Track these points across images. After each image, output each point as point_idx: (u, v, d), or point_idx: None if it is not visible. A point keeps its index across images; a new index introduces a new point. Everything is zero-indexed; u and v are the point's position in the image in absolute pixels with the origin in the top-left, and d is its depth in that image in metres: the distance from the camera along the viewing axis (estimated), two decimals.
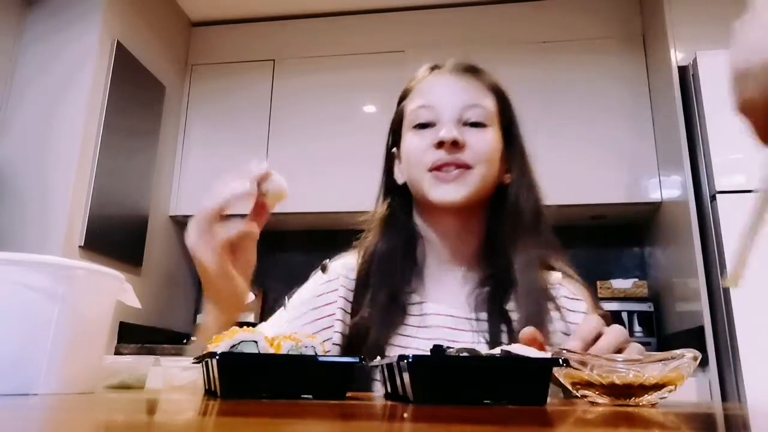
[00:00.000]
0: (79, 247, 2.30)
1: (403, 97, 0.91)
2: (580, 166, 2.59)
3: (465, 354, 0.44)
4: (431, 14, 2.98)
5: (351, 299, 0.85)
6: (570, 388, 0.50)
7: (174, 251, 2.90)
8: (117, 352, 2.34)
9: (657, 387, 0.48)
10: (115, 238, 2.49)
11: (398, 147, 0.90)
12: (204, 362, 0.51)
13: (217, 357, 0.45)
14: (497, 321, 0.80)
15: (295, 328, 0.82)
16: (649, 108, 2.63)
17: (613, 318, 0.79)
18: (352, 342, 0.81)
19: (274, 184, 0.69)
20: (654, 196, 2.54)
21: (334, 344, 0.82)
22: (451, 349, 0.44)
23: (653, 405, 0.49)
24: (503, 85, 0.89)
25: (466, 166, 0.81)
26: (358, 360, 0.48)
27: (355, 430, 0.32)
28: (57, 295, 0.45)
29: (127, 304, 0.54)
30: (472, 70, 0.88)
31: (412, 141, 0.85)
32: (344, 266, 0.88)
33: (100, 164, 2.40)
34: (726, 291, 1.94)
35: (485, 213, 0.87)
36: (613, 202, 2.58)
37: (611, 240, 2.90)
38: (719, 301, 2.00)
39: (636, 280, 2.65)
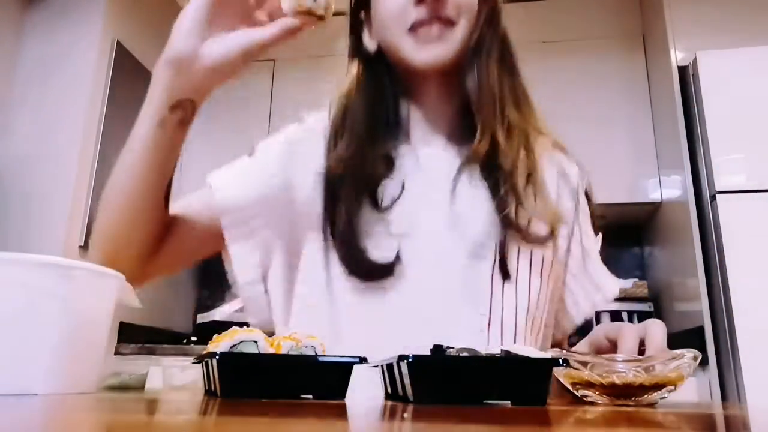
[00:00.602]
0: (79, 247, 2.30)
1: None
2: None
3: (465, 354, 0.44)
4: None
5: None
6: (570, 387, 0.50)
7: None
8: (117, 352, 2.34)
9: (657, 387, 0.48)
10: None
11: (366, 10, 0.78)
12: (204, 362, 0.51)
13: (217, 357, 0.45)
14: (493, 175, 0.74)
15: (271, 183, 0.77)
16: (649, 108, 2.63)
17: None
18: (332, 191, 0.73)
19: None
20: (654, 196, 2.54)
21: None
22: (452, 349, 0.45)
23: (653, 405, 0.49)
24: None
25: (449, 22, 0.71)
26: (358, 360, 0.48)
27: (355, 430, 0.32)
28: (57, 295, 0.45)
29: (127, 304, 0.54)
30: None
31: None
32: (319, 122, 0.81)
33: (100, 164, 2.40)
34: (726, 291, 1.94)
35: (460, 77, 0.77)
36: (613, 202, 2.58)
37: (611, 240, 2.88)
38: (719, 301, 2.00)
39: (636, 280, 2.65)
